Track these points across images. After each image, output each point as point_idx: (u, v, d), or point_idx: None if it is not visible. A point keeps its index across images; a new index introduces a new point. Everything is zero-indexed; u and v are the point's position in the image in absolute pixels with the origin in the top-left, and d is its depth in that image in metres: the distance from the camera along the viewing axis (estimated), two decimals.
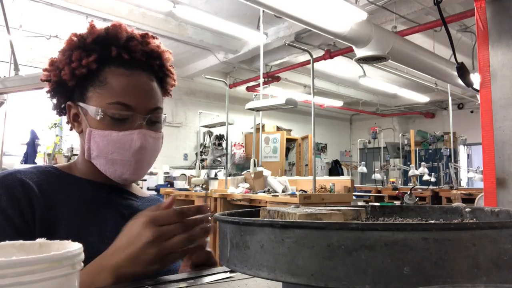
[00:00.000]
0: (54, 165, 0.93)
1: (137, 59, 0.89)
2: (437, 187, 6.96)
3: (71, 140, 6.08)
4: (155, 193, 5.75)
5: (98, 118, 0.84)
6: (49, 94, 0.93)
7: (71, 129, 0.96)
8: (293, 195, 3.89)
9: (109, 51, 0.86)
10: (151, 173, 7.04)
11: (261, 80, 4.90)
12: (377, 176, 7.38)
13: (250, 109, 4.57)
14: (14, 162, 5.48)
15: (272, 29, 6.02)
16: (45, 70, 0.91)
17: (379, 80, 8.39)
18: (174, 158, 8.20)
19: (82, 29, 0.90)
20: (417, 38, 5.79)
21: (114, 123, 0.84)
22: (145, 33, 0.93)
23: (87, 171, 0.91)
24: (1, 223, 0.74)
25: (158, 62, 0.93)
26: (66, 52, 0.88)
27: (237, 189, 4.37)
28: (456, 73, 1.65)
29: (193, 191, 5.02)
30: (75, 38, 0.88)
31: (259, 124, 6.67)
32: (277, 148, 9.07)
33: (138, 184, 1.07)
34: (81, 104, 0.87)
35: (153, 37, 0.94)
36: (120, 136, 0.84)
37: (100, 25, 0.91)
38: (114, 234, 0.85)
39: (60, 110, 0.94)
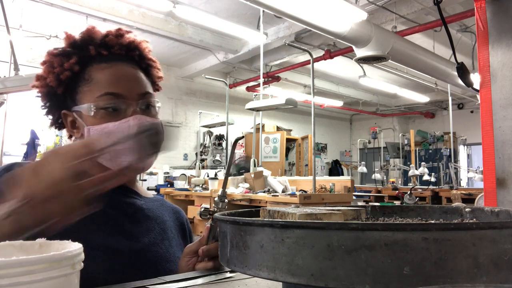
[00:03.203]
0: None
1: (117, 53, 0.91)
2: (437, 187, 6.96)
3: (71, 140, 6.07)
4: (155, 193, 5.75)
5: (92, 114, 0.84)
6: (44, 111, 0.94)
7: (70, 137, 0.96)
8: (293, 195, 3.89)
9: (88, 51, 0.88)
10: (151, 173, 7.04)
11: (261, 80, 4.91)
12: (377, 176, 7.39)
13: (250, 109, 4.57)
14: None
15: (272, 29, 6.02)
16: (33, 86, 0.92)
17: (379, 80, 8.39)
18: (174, 158, 8.20)
19: (77, 31, 0.93)
20: (417, 38, 5.79)
21: (108, 115, 0.85)
22: (119, 28, 0.95)
23: None
24: None
25: (137, 52, 0.95)
26: (47, 63, 0.90)
27: (237, 189, 4.38)
28: (456, 73, 1.65)
29: (193, 191, 5.02)
30: (54, 50, 0.90)
31: (259, 124, 6.67)
32: (277, 148, 9.07)
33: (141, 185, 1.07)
34: (74, 108, 0.88)
35: (127, 32, 0.95)
36: (117, 125, 0.84)
37: (100, 26, 0.93)
38: (116, 232, 0.85)
39: (59, 124, 0.95)
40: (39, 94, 0.91)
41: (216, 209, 0.81)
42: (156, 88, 1.02)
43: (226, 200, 0.83)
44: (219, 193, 0.82)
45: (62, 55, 0.89)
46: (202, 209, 0.91)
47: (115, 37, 0.91)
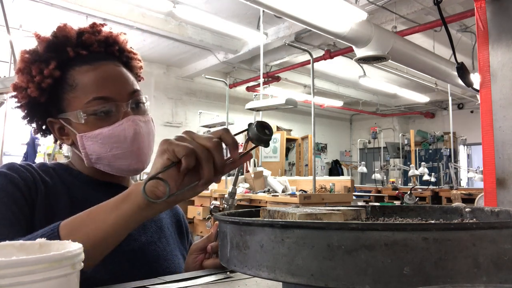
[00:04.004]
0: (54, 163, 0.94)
1: (96, 51, 0.88)
2: (437, 187, 6.96)
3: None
4: None
5: (82, 121, 0.82)
6: (26, 120, 0.91)
7: (60, 147, 0.96)
8: (293, 195, 3.89)
9: (66, 53, 0.85)
10: None
11: (261, 80, 4.91)
12: (377, 176, 7.39)
13: (250, 109, 4.57)
14: None
15: (272, 29, 6.02)
16: (12, 97, 0.89)
17: (379, 80, 8.39)
18: None
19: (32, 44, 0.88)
20: (417, 38, 5.79)
21: (99, 119, 0.82)
22: (93, 23, 0.91)
23: (84, 170, 0.91)
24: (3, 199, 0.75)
25: (117, 47, 0.91)
26: (24, 70, 0.85)
27: (237, 189, 4.38)
28: (456, 73, 1.65)
29: None
30: (27, 55, 0.86)
31: None
32: (277, 148, 9.06)
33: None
34: (61, 115, 0.85)
35: (102, 25, 0.92)
36: (111, 130, 0.82)
37: (74, 21, 0.91)
38: None
39: (43, 131, 0.93)
40: (19, 104, 0.88)
41: (226, 205, 0.81)
42: (139, 79, 0.99)
43: (235, 197, 0.83)
44: (229, 190, 0.82)
45: (40, 61, 0.84)
46: (212, 206, 0.91)
47: (92, 34, 0.87)
